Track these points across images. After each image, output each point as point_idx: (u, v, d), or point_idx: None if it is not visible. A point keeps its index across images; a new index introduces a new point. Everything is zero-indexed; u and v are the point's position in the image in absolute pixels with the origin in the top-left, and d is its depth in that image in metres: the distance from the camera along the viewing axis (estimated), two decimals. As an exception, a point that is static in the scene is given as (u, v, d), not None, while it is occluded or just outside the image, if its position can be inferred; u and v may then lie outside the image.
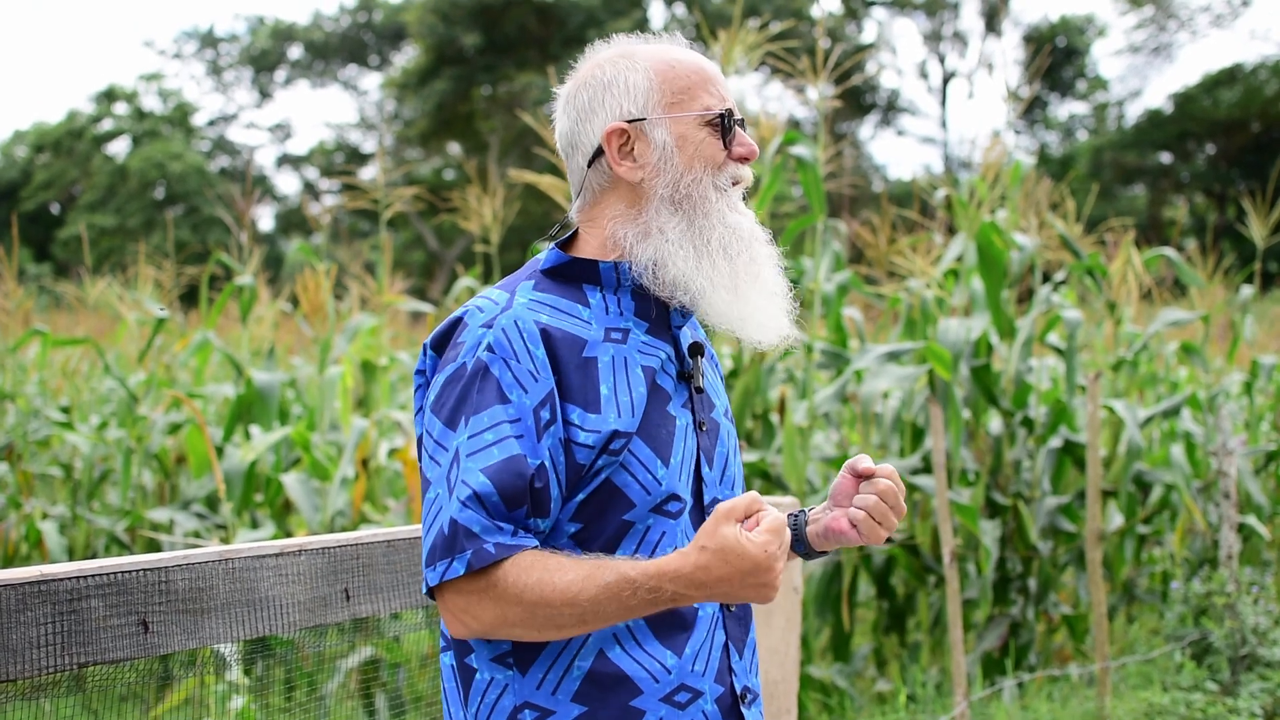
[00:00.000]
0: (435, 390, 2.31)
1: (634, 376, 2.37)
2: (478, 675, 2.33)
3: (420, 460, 2.35)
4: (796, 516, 2.64)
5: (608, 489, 2.31)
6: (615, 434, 2.31)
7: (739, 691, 2.44)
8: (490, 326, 2.30)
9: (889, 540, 7.82)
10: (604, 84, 2.46)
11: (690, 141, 2.42)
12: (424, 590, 2.28)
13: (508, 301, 2.35)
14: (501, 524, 2.20)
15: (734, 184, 2.47)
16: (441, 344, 2.36)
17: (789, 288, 2.55)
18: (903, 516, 2.50)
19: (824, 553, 2.65)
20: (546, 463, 2.25)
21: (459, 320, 2.35)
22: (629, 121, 2.43)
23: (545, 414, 2.27)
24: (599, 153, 2.46)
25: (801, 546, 2.63)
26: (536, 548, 2.22)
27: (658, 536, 2.34)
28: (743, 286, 2.43)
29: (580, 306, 2.40)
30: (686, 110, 2.43)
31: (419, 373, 2.42)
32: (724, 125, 2.44)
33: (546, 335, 2.32)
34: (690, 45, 2.55)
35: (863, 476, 2.49)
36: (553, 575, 2.18)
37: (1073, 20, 47.65)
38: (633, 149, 2.44)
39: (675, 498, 2.37)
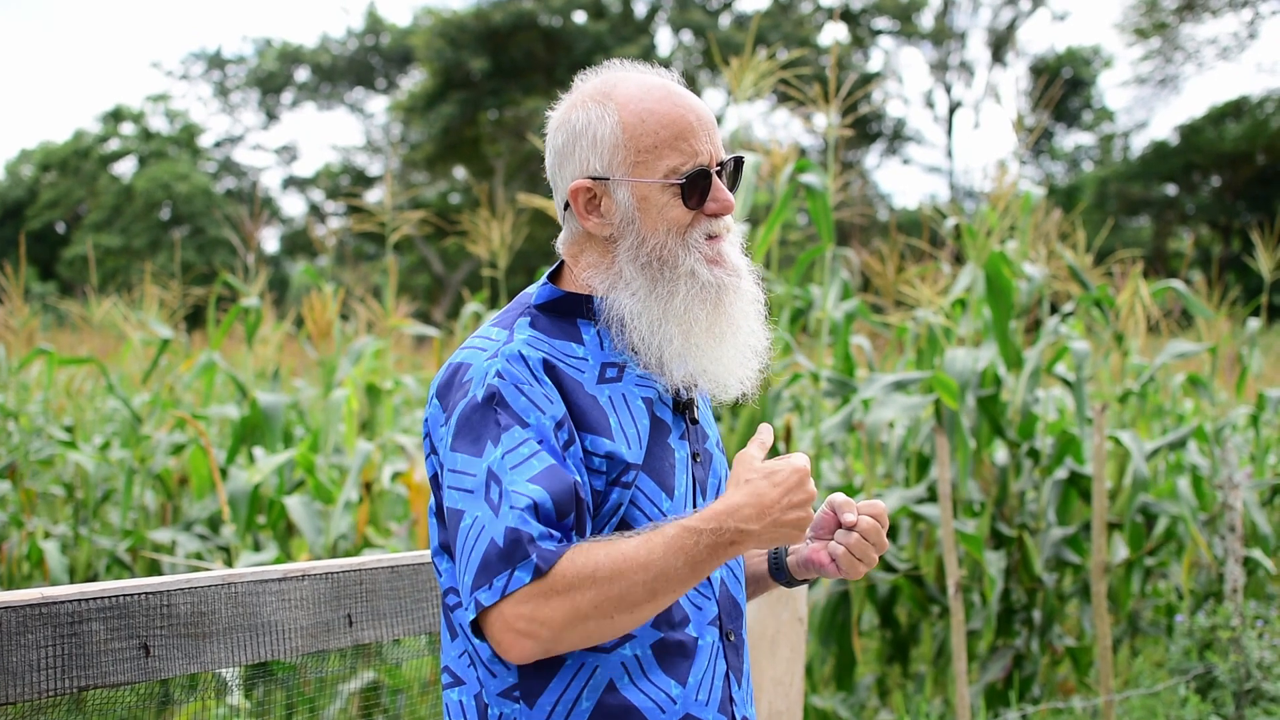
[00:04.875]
0: (452, 429, 2.27)
1: (636, 409, 2.37)
2: (490, 710, 2.30)
3: (443, 499, 2.30)
4: (777, 549, 2.65)
5: (621, 526, 2.31)
6: (627, 466, 2.30)
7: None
8: (495, 357, 2.29)
9: (890, 571, 7.79)
10: (576, 131, 2.42)
11: (653, 204, 2.38)
12: (469, 618, 2.20)
13: (508, 337, 2.34)
14: (554, 531, 2.16)
15: (709, 238, 2.42)
16: (446, 391, 2.33)
17: (765, 337, 2.51)
18: (884, 551, 2.50)
19: (805, 581, 2.66)
20: (576, 479, 2.22)
21: (459, 365, 2.33)
22: (594, 179, 2.40)
23: (564, 434, 2.25)
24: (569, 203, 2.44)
25: (783, 575, 2.65)
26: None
27: None
28: (696, 350, 2.40)
29: (575, 345, 2.38)
30: (649, 173, 2.38)
31: (425, 421, 2.38)
32: (687, 187, 2.38)
33: (550, 367, 2.30)
34: (680, 79, 2.49)
35: (841, 523, 2.48)
36: (618, 545, 2.14)
37: (1079, 51, 47.78)
38: (599, 204, 2.41)
39: None
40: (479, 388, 2.26)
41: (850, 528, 2.45)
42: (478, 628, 2.22)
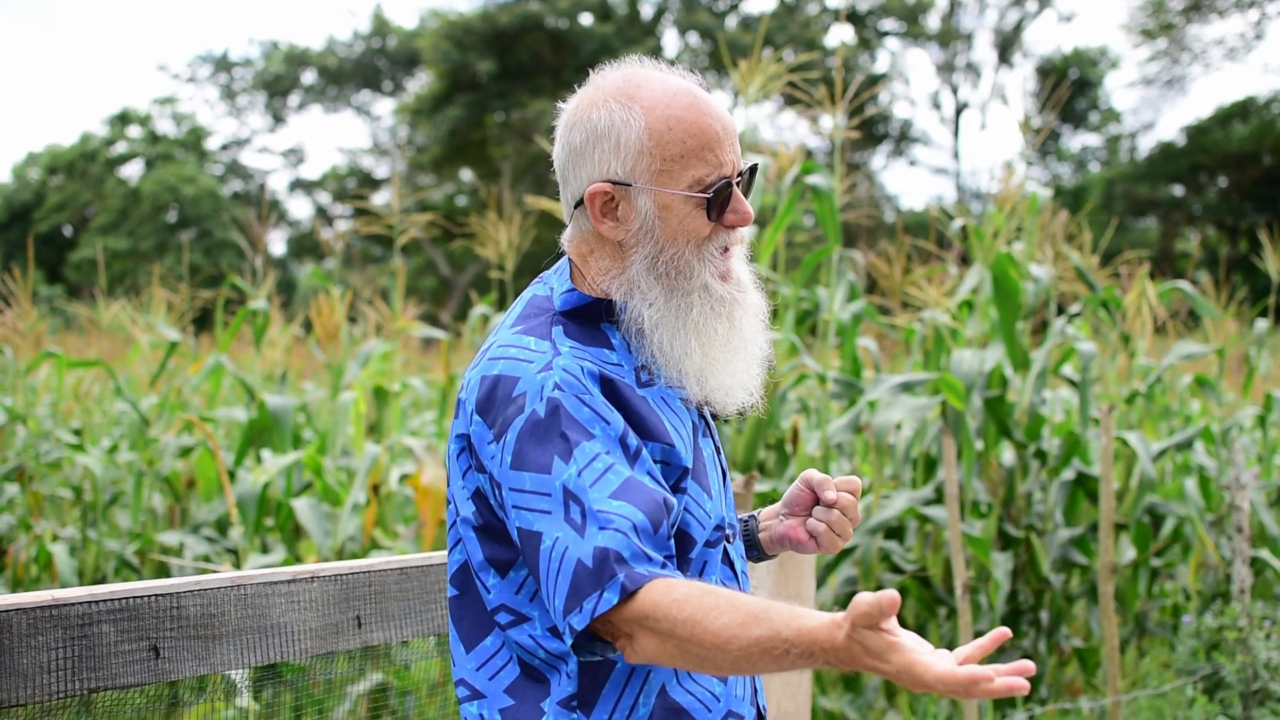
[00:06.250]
0: (511, 447, 2.18)
1: (679, 410, 2.34)
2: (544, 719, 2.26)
3: (499, 518, 2.25)
4: (748, 521, 2.66)
5: (679, 533, 2.27)
6: (685, 470, 2.27)
7: (762, 711, 2.47)
8: (549, 369, 2.21)
9: (898, 572, 7.78)
10: (598, 132, 2.33)
11: (675, 213, 2.31)
12: (568, 644, 2.11)
13: (553, 348, 2.26)
14: (650, 552, 2.08)
15: (724, 251, 2.36)
16: (489, 406, 2.24)
17: (768, 346, 2.47)
18: (858, 525, 2.50)
19: (773, 555, 2.66)
20: (656, 487, 2.17)
21: (500, 377, 2.24)
22: (614, 183, 2.32)
23: (632, 442, 2.19)
24: (583, 202, 2.37)
25: (755, 552, 2.64)
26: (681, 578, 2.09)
27: (700, 565, 2.32)
28: (714, 364, 2.36)
29: (607, 351, 2.32)
30: (674, 183, 2.30)
31: (459, 436, 2.30)
32: (712, 199, 2.32)
33: (607, 381, 2.25)
34: (702, 82, 2.42)
35: (820, 500, 2.49)
36: (708, 617, 1.98)
37: (1086, 52, 47.72)
38: (617, 208, 2.34)
39: (718, 527, 2.35)
40: (537, 402, 2.18)
41: (831, 505, 2.46)
42: (582, 647, 2.14)
